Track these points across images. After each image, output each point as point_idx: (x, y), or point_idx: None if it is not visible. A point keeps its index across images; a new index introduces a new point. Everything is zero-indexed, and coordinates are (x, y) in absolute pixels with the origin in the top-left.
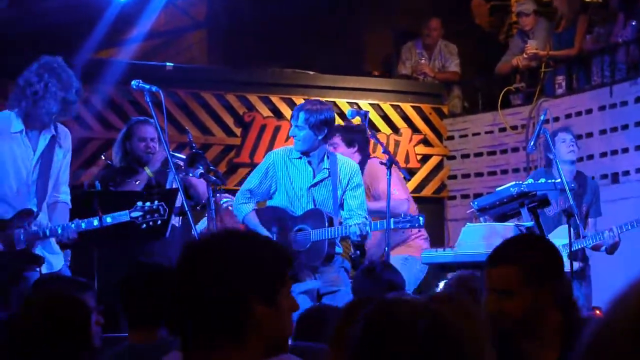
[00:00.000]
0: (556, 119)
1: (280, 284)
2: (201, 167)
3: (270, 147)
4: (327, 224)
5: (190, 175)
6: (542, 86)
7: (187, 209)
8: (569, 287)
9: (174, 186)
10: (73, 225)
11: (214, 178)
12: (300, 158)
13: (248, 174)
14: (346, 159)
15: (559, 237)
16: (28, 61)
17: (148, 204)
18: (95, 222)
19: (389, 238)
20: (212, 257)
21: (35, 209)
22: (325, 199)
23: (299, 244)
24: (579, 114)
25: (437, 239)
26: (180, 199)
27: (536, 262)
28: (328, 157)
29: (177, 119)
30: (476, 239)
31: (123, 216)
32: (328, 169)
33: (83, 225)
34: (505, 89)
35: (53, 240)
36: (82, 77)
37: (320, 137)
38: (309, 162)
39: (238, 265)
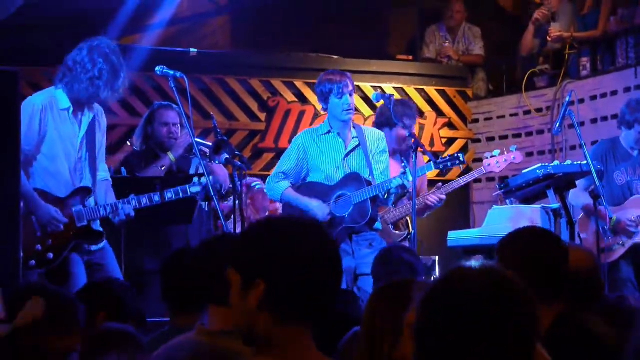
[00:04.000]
0: (581, 101)
1: None
2: (226, 154)
3: (294, 132)
4: (366, 186)
5: (216, 162)
6: (566, 68)
7: (212, 194)
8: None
9: (199, 172)
10: (134, 202)
11: (239, 163)
12: (329, 132)
13: (273, 159)
14: (371, 128)
15: (637, 207)
16: (51, 48)
17: (204, 179)
18: (157, 198)
19: (415, 217)
20: None
21: (91, 187)
22: (361, 167)
23: (341, 209)
24: (604, 95)
25: (463, 222)
26: (206, 185)
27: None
28: (354, 127)
29: (202, 104)
30: (503, 221)
31: (183, 191)
32: (357, 137)
33: (144, 201)
34: (530, 72)
35: (98, 222)
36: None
37: None
38: (339, 134)
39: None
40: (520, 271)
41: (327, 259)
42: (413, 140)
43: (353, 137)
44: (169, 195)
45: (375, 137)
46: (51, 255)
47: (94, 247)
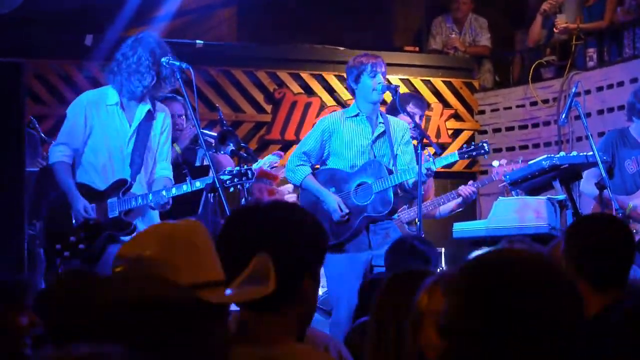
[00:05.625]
0: (587, 92)
1: (323, 259)
2: (232, 144)
3: (300, 124)
4: (387, 174)
5: (222, 152)
6: (573, 59)
7: (218, 185)
8: None
9: (204, 163)
10: (163, 192)
11: (245, 155)
12: (357, 115)
13: (279, 150)
14: (396, 118)
15: None
16: (57, 41)
17: (237, 168)
18: (185, 187)
19: (421, 204)
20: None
21: (129, 179)
22: (386, 155)
23: (362, 197)
24: (610, 86)
25: (469, 213)
26: (212, 176)
27: None
28: (381, 115)
29: (208, 96)
30: (508, 212)
31: (211, 180)
32: (383, 123)
33: (173, 190)
34: (537, 63)
35: (156, 214)
36: (112, 56)
37: None
38: (367, 118)
39: (303, 238)
40: (590, 256)
41: (268, 242)
42: (418, 131)
43: (379, 123)
44: (198, 184)
45: (401, 127)
46: (82, 246)
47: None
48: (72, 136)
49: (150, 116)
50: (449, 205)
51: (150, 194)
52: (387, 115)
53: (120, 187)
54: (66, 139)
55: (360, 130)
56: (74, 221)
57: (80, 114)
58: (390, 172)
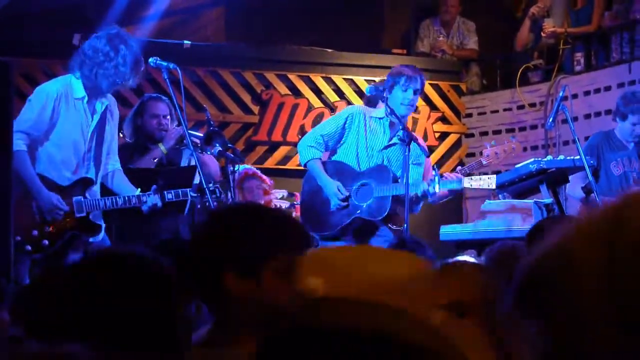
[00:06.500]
0: (575, 96)
1: (264, 258)
2: (218, 145)
3: (288, 125)
4: (392, 182)
5: (208, 152)
6: (560, 63)
7: (204, 186)
8: None
9: (191, 163)
10: (134, 200)
11: (232, 155)
12: (381, 119)
13: (266, 152)
14: (417, 136)
15: None
16: (45, 40)
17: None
18: (170, 196)
19: (408, 211)
20: (208, 226)
21: (94, 179)
22: (398, 162)
23: (361, 198)
24: (597, 91)
25: (455, 216)
26: (198, 176)
27: None
28: (403, 130)
29: (195, 96)
30: (495, 216)
31: (184, 194)
32: (400, 137)
33: (144, 198)
34: (524, 66)
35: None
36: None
37: None
38: (390, 125)
39: (219, 233)
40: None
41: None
42: (405, 134)
43: (399, 137)
44: (170, 196)
45: (415, 149)
46: (46, 242)
47: (91, 239)
48: (37, 127)
49: (106, 110)
50: (439, 193)
51: (120, 199)
52: (412, 133)
53: (85, 186)
54: (29, 128)
55: (377, 133)
56: (35, 213)
57: (48, 105)
58: (396, 180)
